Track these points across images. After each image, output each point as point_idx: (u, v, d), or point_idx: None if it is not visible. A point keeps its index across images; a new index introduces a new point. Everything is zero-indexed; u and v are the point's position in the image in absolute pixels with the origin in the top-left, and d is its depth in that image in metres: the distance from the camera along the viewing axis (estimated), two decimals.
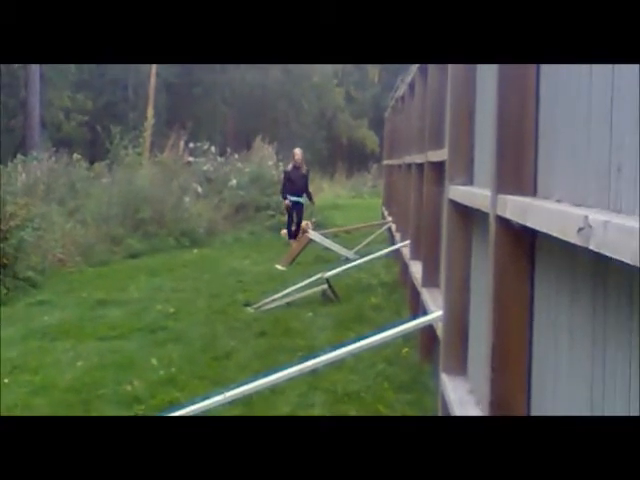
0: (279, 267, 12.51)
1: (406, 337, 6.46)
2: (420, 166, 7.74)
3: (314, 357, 5.20)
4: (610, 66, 1.97)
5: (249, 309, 9.32)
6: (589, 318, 2.16)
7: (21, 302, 10.20)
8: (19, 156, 18.51)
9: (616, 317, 1.95)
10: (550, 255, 2.63)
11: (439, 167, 6.18)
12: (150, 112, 25.25)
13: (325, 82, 41.87)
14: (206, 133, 30.06)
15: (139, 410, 5.75)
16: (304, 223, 14.92)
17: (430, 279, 6.55)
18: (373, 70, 44.12)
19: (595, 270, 2.12)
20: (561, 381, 2.46)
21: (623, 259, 1.57)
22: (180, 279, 11.90)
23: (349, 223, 17.92)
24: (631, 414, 1.81)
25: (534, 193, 2.79)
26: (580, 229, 1.83)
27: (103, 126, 19.94)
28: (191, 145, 20.93)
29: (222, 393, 4.78)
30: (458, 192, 4.25)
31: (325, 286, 9.63)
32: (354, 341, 5.19)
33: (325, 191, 28.84)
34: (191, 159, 20.54)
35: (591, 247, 1.77)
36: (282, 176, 16.88)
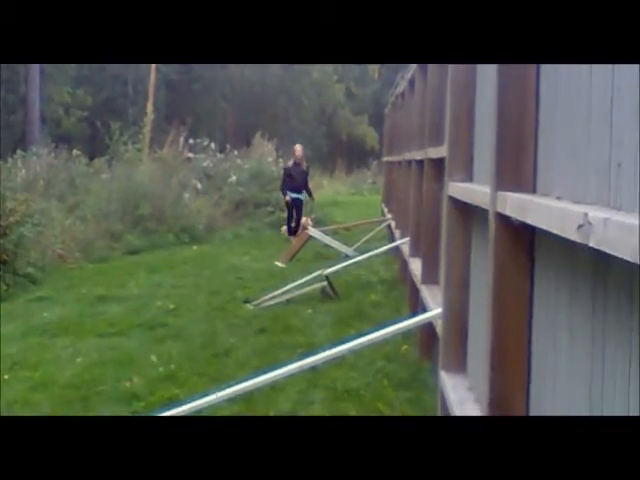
0: (279, 264, 12.49)
1: (405, 334, 6.47)
2: (420, 163, 7.73)
3: (314, 354, 5.20)
4: (610, 66, 1.97)
5: (249, 306, 9.32)
6: (589, 316, 2.16)
7: (21, 298, 10.20)
8: (19, 152, 18.48)
9: (616, 315, 1.95)
10: (550, 252, 2.62)
11: (439, 164, 6.17)
12: (150, 108, 25.20)
13: (325, 78, 41.85)
14: (206, 129, 30.09)
15: (138, 407, 5.75)
16: (304, 220, 14.91)
17: (429, 276, 6.55)
18: (373, 67, 44.09)
19: (595, 268, 2.12)
20: (560, 379, 2.46)
21: (623, 256, 1.57)
22: (180, 276, 11.90)
23: (349, 220, 17.92)
24: (630, 412, 1.82)
25: (534, 190, 2.79)
26: (580, 226, 1.83)
27: (103, 122, 19.92)
28: (191, 141, 20.94)
29: (223, 390, 4.78)
30: (458, 189, 4.25)
31: (325, 283, 9.62)
32: (353, 338, 5.20)
33: (325, 188, 28.85)
34: (191, 155, 20.54)
35: (591, 244, 1.77)
36: (282, 172, 16.88)
